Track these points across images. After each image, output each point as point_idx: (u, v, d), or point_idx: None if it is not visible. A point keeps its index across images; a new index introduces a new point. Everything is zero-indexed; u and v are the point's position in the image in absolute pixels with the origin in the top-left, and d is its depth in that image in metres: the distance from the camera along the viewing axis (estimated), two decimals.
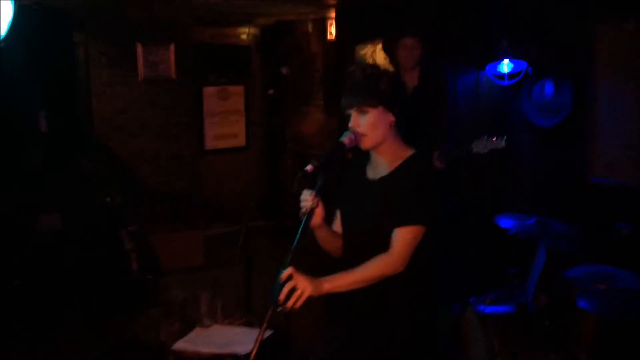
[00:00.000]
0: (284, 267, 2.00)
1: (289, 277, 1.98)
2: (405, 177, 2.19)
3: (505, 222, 3.56)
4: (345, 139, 2.20)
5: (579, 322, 2.75)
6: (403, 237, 2.13)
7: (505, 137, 3.54)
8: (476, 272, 4.14)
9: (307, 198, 2.14)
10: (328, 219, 2.34)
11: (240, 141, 7.27)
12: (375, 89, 2.19)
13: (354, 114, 2.22)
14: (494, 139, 3.53)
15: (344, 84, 2.27)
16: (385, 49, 4.38)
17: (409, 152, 2.25)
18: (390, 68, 3.95)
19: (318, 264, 2.24)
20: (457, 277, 3.92)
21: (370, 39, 5.56)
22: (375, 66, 2.32)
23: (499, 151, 3.58)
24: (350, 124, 2.23)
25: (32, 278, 4.37)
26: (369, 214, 2.25)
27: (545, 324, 2.86)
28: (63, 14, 4.66)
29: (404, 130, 2.31)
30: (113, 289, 4.79)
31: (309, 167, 2.08)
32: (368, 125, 2.20)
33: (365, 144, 2.22)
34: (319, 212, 2.22)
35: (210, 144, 7.04)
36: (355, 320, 2.30)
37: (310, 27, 6.62)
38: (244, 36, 7.14)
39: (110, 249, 5.03)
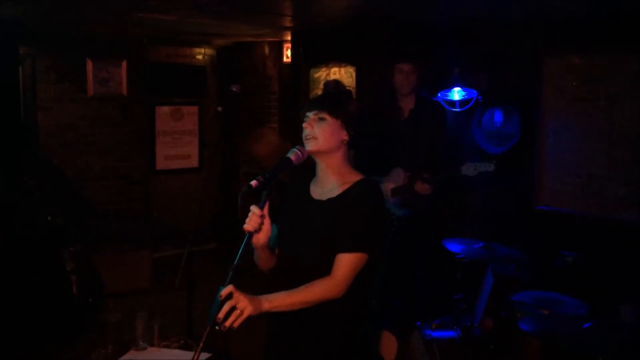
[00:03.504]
0: (224, 285, 1.93)
1: (229, 296, 1.91)
2: (355, 202, 2.14)
3: (453, 246, 3.58)
4: (292, 155, 2.16)
5: (522, 346, 2.75)
6: (346, 264, 2.09)
7: (494, 161, 3.58)
8: (424, 296, 4.13)
9: (254, 214, 2.08)
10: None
11: (193, 162, 7.16)
12: (341, 104, 2.20)
13: (311, 118, 2.18)
14: (484, 162, 3.57)
15: (299, 106, 2.26)
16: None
17: (358, 177, 2.22)
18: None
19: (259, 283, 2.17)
20: (405, 300, 3.90)
21: (325, 62, 5.59)
22: (350, 92, 2.39)
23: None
24: (305, 124, 2.18)
25: None
26: (313, 235, 2.18)
27: (490, 348, 2.86)
28: (8, 25, 4.50)
29: (360, 159, 2.30)
30: (52, 312, 4.58)
31: (253, 183, 2.03)
32: (321, 131, 2.16)
33: (312, 145, 2.16)
34: (266, 231, 2.14)
35: (161, 164, 6.91)
36: (292, 343, 2.23)
37: (266, 50, 6.62)
38: (199, 56, 7.09)
39: (51, 270, 4.82)
